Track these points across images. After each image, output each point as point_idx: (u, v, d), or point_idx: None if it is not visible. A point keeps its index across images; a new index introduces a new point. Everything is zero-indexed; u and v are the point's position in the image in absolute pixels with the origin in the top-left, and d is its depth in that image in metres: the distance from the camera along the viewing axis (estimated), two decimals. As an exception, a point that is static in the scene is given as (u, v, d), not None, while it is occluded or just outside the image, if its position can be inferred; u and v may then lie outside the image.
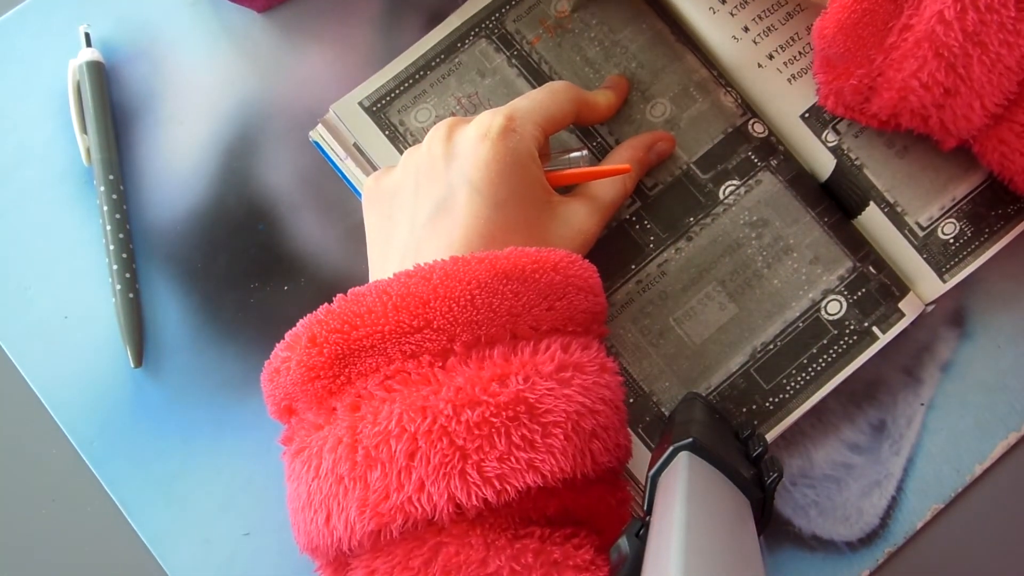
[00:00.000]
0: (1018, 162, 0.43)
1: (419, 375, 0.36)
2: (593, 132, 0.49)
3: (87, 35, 0.53)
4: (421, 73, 0.50)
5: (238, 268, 0.52)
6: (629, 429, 0.46)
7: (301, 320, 0.38)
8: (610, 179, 0.46)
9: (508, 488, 0.34)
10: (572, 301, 0.39)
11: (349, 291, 0.38)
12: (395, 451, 0.34)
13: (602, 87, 0.49)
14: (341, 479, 0.35)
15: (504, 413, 0.35)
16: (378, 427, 0.35)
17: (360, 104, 0.50)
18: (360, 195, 0.50)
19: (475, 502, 0.34)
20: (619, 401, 0.39)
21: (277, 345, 0.39)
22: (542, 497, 0.36)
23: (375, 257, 0.44)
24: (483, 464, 0.34)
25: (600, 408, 0.37)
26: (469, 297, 0.36)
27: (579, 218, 0.44)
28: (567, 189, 0.46)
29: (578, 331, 0.39)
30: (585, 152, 0.48)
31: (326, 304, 0.38)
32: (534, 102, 0.44)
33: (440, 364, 0.36)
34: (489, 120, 0.42)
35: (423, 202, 0.42)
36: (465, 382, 0.35)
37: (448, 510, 0.34)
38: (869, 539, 0.49)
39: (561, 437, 0.35)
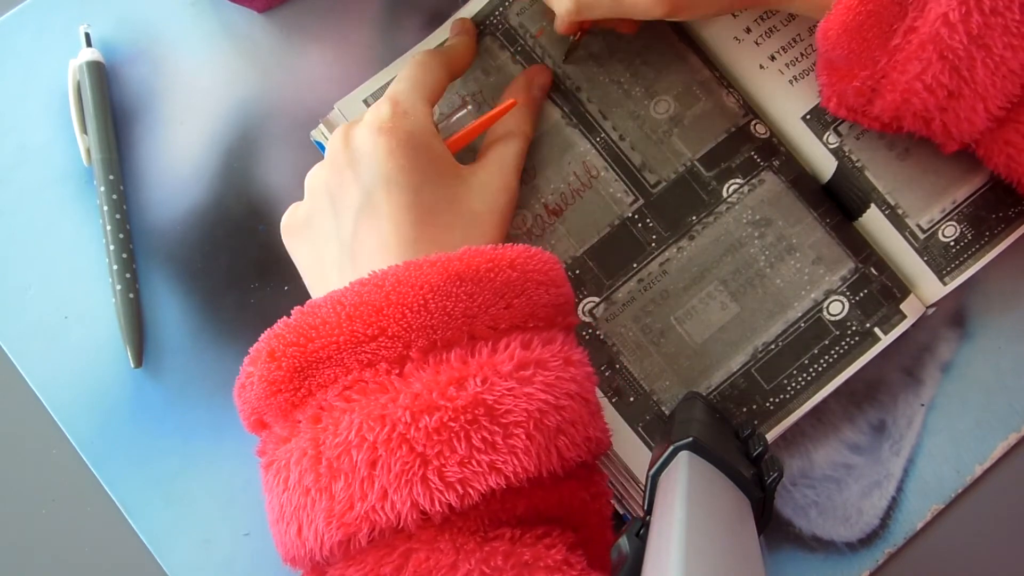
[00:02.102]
0: None
1: (376, 383, 0.36)
2: (597, 128, 0.49)
3: (87, 35, 0.53)
4: None
5: (238, 268, 0.52)
6: (629, 427, 0.46)
7: (263, 334, 0.38)
8: (508, 127, 0.47)
9: (471, 491, 0.34)
10: (532, 296, 0.38)
11: (306, 303, 0.38)
12: (356, 461, 0.34)
13: (452, 35, 0.50)
14: (308, 491, 0.35)
15: (462, 417, 0.34)
16: (339, 438, 0.35)
17: (365, 102, 0.50)
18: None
19: (439, 507, 0.34)
20: (587, 393, 0.39)
21: (245, 359, 0.39)
22: (509, 498, 0.36)
23: (314, 284, 0.44)
24: (444, 469, 0.34)
25: (565, 403, 0.36)
26: (422, 302, 0.36)
27: (494, 179, 0.45)
28: (471, 155, 0.47)
29: (540, 326, 0.39)
30: (470, 106, 0.49)
31: (284, 318, 0.38)
32: (410, 80, 0.45)
33: (397, 371, 0.36)
34: (377, 112, 0.43)
35: (344, 214, 0.42)
36: (422, 388, 0.35)
37: (413, 516, 0.34)
38: (869, 539, 0.49)
39: (523, 437, 0.35)
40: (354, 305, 0.36)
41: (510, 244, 0.39)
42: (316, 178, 0.44)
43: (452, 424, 0.34)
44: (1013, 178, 0.44)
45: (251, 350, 0.38)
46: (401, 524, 0.34)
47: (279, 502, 0.36)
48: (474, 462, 0.34)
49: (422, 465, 0.34)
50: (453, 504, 0.34)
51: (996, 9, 0.37)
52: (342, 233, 0.42)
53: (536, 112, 0.49)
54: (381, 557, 0.35)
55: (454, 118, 0.49)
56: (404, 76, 0.45)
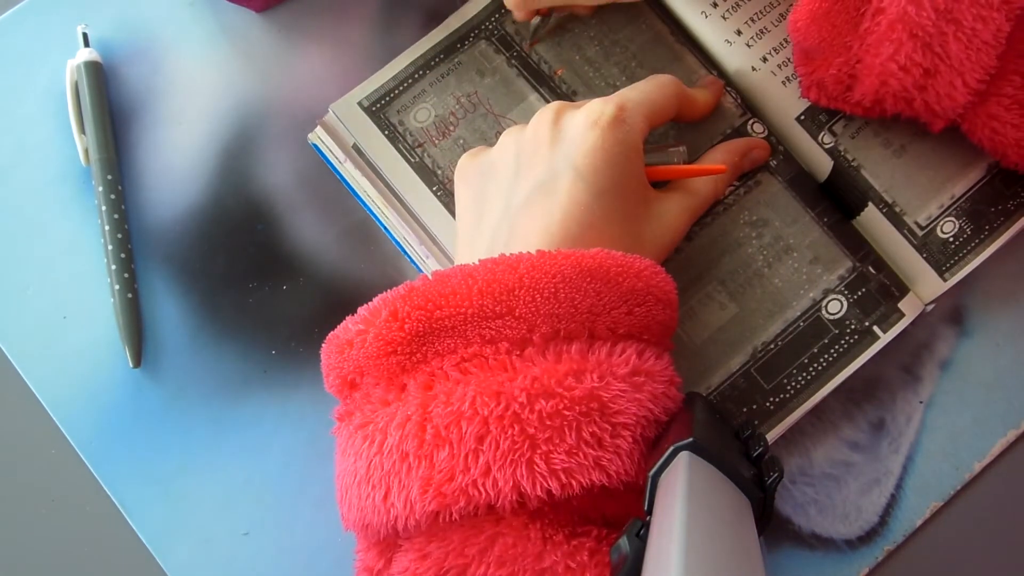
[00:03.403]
0: (1010, 135, 0.42)
1: (496, 361, 0.36)
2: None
3: (85, 35, 0.53)
4: (420, 72, 0.50)
5: (237, 268, 0.52)
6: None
7: (379, 296, 0.38)
8: (704, 180, 0.46)
9: (573, 483, 0.34)
10: (651, 310, 0.39)
11: (432, 272, 0.38)
12: (465, 432, 0.34)
13: (698, 86, 0.49)
14: (406, 456, 0.35)
15: (577, 407, 0.35)
16: (451, 407, 0.35)
17: (359, 104, 0.50)
18: (360, 198, 0.50)
19: (539, 492, 0.34)
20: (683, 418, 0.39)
21: (348, 319, 0.39)
22: (603, 497, 0.36)
23: (465, 232, 0.44)
24: (551, 455, 0.34)
25: (664, 420, 0.37)
26: (553, 290, 0.36)
27: (671, 216, 0.45)
28: (657, 185, 0.46)
29: (653, 340, 0.39)
30: (683, 148, 0.48)
31: (407, 282, 0.38)
32: (643, 94, 0.44)
33: (518, 352, 0.36)
34: (600, 108, 0.42)
35: (522, 182, 0.42)
36: (541, 372, 0.35)
37: (511, 498, 0.34)
38: (868, 537, 0.49)
39: (629, 439, 0.35)
40: (487, 281, 0.37)
41: (639, 256, 0.39)
42: (513, 137, 0.44)
43: (566, 412, 0.34)
44: (997, 152, 0.44)
45: (364, 310, 0.38)
46: (498, 503, 0.34)
47: (367, 464, 0.36)
48: (581, 454, 0.34)
49: (531, 448, 0.34)
50: (553, 491, 0.34)
51: None
52: (513, 198, 0.42)
53: (735, 178, 0.49)
54: (467, 537, 0.35)
55: (662, 152, 0.48)
56: (640, 87, 0.45)
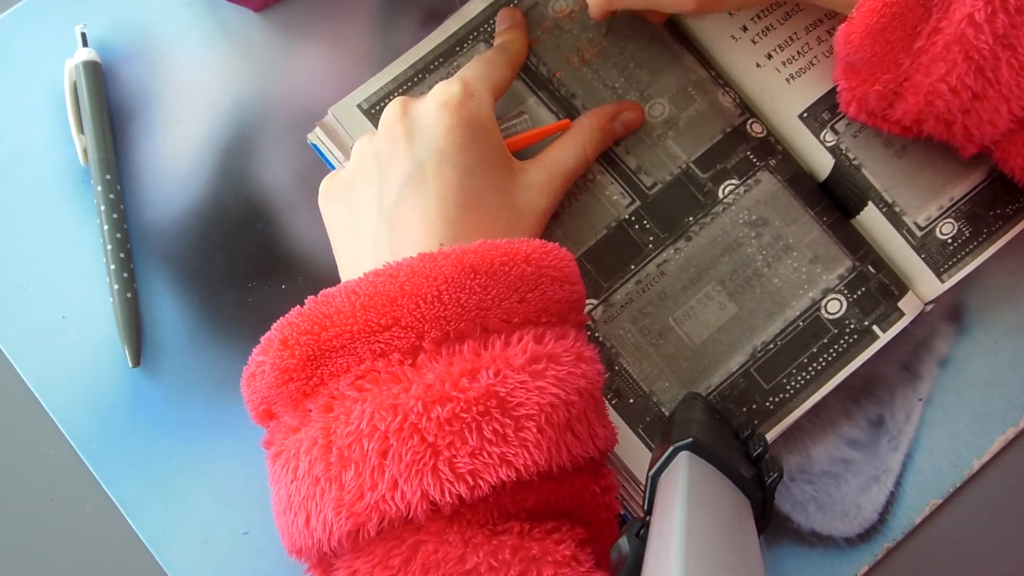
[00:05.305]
0: None
1: (389, 373, 0.36)
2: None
3: (83, 35, 0.53)
4: (420, 76, 0.50)
5: (236, 267, 0.52)
6: (629, 428, 0.46)
7: (275, 323, 0.38)
8: (568, 145, 0.47)
9: (481, 483, 0.34)
10: (546, 292, 0.38)
11: (320, 292, 0.38)
12: (367, 450, 0.34)
13: (500, 31, 0.50)
14: (317, 480, 0.35)
15: (474, 408, 0.35)
16: (350, 427, 0.35)
17: (359, 107, 0.50)
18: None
19: (449, 498, 0.34)
20: (596, 390, 0.39)
21: (253, 349, 0.39)
22: (519, 491, 0.36)
23: (344, 249, 0.44)
24: (455, 460, 0.34)
25: (575, 399, 0.37)
26: (436, 293, 0.36)
27: (541, 182, 0.45)
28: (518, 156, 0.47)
29: (553, 321, 0.39)
30: (525, 115, 0.49)
31: (298, 307, 0.38)
32: (480, 69, 0.45)
33: (410, 362, 0.36)
34: (446, 89, 0.43)
35: (390, 182, 0.42)
36: (435, 379, 0.35)
37: (422, 507, 0.34)
38: (868, 535, 0.49)
39: (534, 430, 0.35)
40: (368, 295, 0.37)
41: (526, 239, 0.39)
42: (366, 145, 0.44)
43: (464, 415, 0.34)
44: None
45: (262, 339, 0.39)
46: (411, 515, 0.34)
47: (287, 492, 0.36)
48: (485, 454, 0.34)
49: (433, 455, 0.34)
50: (463, 495, 0.34)
51: (1021, 8, 0.36)
52: (384, 201, 0.42)
53: (609, 142, 0.49)
54: (390, 549, 0.35)
55: (507, 124, 0.49)
56: (475, 66, 0.46)
